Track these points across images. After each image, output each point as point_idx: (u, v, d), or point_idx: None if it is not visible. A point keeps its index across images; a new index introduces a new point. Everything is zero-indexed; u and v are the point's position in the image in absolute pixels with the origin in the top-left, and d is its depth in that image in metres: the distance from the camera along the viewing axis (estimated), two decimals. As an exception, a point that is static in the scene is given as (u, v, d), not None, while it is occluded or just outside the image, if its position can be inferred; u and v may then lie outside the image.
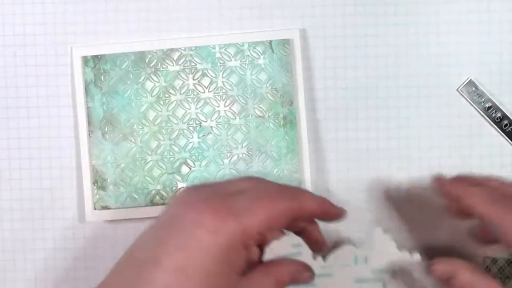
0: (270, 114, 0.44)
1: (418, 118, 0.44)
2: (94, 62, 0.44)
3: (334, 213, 0.38)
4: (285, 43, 0.44)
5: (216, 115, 0.44)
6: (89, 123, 0.44)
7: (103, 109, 0.44)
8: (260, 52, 0.44)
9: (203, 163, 0.44)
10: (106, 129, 0.44)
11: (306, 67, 0.44)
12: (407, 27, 0.44)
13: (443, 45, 0.44)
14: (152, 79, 0.44)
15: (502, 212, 0.37)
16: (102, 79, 0.44)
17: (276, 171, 0.44)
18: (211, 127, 0.44)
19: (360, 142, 0.44)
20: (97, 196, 0.44)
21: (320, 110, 0.44)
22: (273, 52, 0.44)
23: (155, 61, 0.44)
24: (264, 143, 0.44)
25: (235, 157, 0.44)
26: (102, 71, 0.44)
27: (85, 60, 0.44)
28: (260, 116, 0.44)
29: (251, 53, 0.44)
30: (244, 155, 0.44)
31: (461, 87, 0.44)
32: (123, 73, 0.44)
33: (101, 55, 0.44)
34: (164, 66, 0.44)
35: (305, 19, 0.44)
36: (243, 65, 0.44)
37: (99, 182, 0.44)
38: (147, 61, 0.44)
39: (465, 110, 0.44)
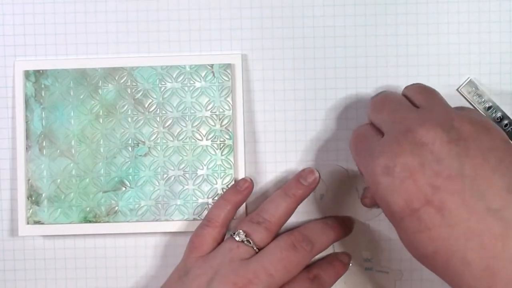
0: (208, 138, 0.44)
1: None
2: (35, 76, 0.44)
3: (347, 231, 0.44)
4: (227, 67, 0.44)
5: (154, 136, 0.44)
6: (27, 137, 0.44)
7: (42, 124, 0.44)
8: (201, 76, 0.44)
9: (139, 183, 0.44)
10: (43, 144, 0.44)
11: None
12: (407, 27, 0.44)
13: (443, 45, 0.44)
14: (93, 97, 0.44)
15: (356, 153, 0.38)
16: (43, 94, 0.44)
17: (212, 194, 0.44)
18: (149, 147, 0.44)
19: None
20: (30, 211, 0.44)
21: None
22: (214, 76, 0.44)
23: (97, 79, 0.44)
24: (201, 166, 0.44)
25: (171, 179, 0.44)
26: (43, 86, 0.44)
27: (27, 74, 0.44)
28: (198, 139, 0.44)
29: (192, 76, 0.44)
30: (180, 177, 0.44)
31: (461, 87, 0.44)
32: (64, 89, 0.44)
33: (43, 70, 0.44)
34: (105, 85, 0.44)
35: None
36: (184, 87, 0.44)
37: (33, 197, 0.44)
38: (88, 78, 0.44)
39: (465, 110, 0.45)
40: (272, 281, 0.38)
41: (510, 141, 0.34)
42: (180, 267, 0.41)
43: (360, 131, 0.39)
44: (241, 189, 0.43)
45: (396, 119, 0.36)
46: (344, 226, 0.44)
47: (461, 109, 0.38)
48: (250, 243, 0.40)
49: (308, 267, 0.42)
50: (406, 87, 0.40)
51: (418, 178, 0.32)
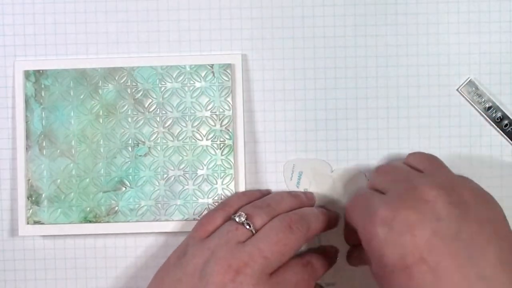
0: (208, 138, 0.44)
1: (418, 118, 0.45)
2: (35, 76, 0.44)
3: (334, 224, 0.43)
4: (227, 67, 0.44)
5: (154, 136, 0.44)
6: (27, 137, 0.44)
7: (42, 124, 0.44)
8: (201, 76, 0.44)
9: (139, 183, 0.44)
10: (43, 144, 0.44)
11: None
12: (407, 27, 0.44)
13: (443, 45, 0.44)
14: (93, 97, 0.44)
15: (352, 210, 0.39)
16: (43, 94, 0.44)
17: (212, 194, 0.44)
18: (149, 147, 0.44)
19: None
20: (30, 211, 0.44)
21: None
22: (214, 76, 0.44)
23: (97, 79, 0.44)
24: (201, 166, 0.44)
25: (171, 179, 0.44)
26: (43, 86, 0.44)
27: (27, 74, 0.44)
28: (198, 140, 0.44)
29: (192, 76, 0.44)
30: (180, 177, 0.44)
31: (461, 87, 0.44)
32: (64, 89, 0.44)
33: (43, 70, 0.44)
34: (105, 85, 0.44)
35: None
36: (184, 87, 0.44)
37: (33, 197, 0.44)
38: (88, 78, 0.44)
39: (465, 110, 0.45)
40: (267, 263, 0.38)
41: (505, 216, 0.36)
42: (181, 247, 0.41)
43: (359, 193, 0.40)
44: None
45: (400, 179, 0.37)
46: (333, 218, 0.44)
47: (461, 177, 0.39)
48: (250, 226, 0.39)
49: (301, 254, 0.42)
50: (409, 156, 0.42)
51: (416, 234, 0.33)
